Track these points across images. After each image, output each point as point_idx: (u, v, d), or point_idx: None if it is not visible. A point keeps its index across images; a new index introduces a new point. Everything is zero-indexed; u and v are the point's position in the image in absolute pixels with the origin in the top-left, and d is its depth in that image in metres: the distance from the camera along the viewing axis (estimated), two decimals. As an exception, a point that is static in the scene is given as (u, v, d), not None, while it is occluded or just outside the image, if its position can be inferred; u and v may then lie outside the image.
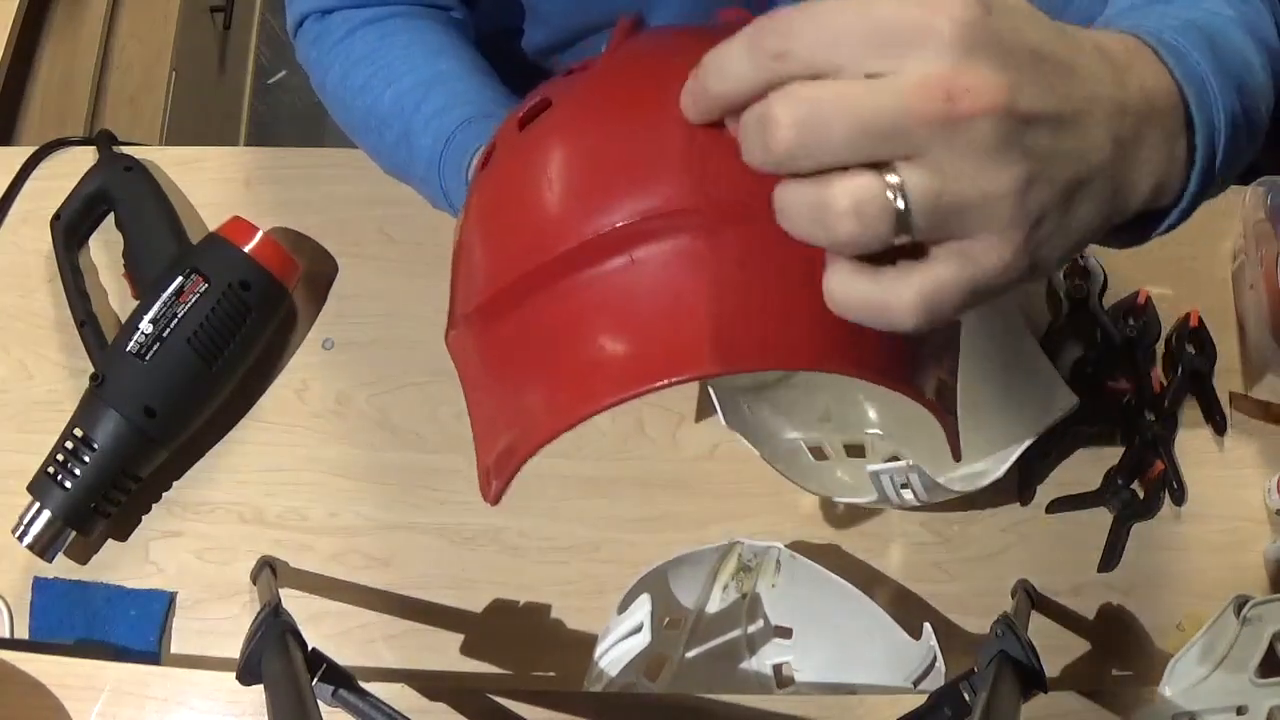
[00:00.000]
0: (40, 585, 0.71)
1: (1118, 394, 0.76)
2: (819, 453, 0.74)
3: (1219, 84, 0.41)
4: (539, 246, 0.38)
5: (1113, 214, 0.36)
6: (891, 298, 0.32)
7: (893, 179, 0.31)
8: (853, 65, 0.31)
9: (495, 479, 0.39)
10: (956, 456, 0.42)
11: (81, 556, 0.72)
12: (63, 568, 0.71)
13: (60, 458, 0.69)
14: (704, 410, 0.76)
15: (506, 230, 0.40)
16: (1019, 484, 0.74)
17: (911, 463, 0.63)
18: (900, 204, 0.31)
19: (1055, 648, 0.71)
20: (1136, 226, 0.42)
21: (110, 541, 0.73)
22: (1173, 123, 0.39)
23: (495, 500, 0.40)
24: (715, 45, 0.42)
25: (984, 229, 0.32)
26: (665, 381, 0.35)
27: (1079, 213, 0.34)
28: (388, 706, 0.55)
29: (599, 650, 0.65)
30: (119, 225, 0.77)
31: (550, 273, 0.37)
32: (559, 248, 0.37)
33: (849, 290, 0.33)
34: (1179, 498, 0.74)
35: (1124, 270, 0.81)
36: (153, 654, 0.70)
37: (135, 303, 0.73)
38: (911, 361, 0.38)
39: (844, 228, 0.31)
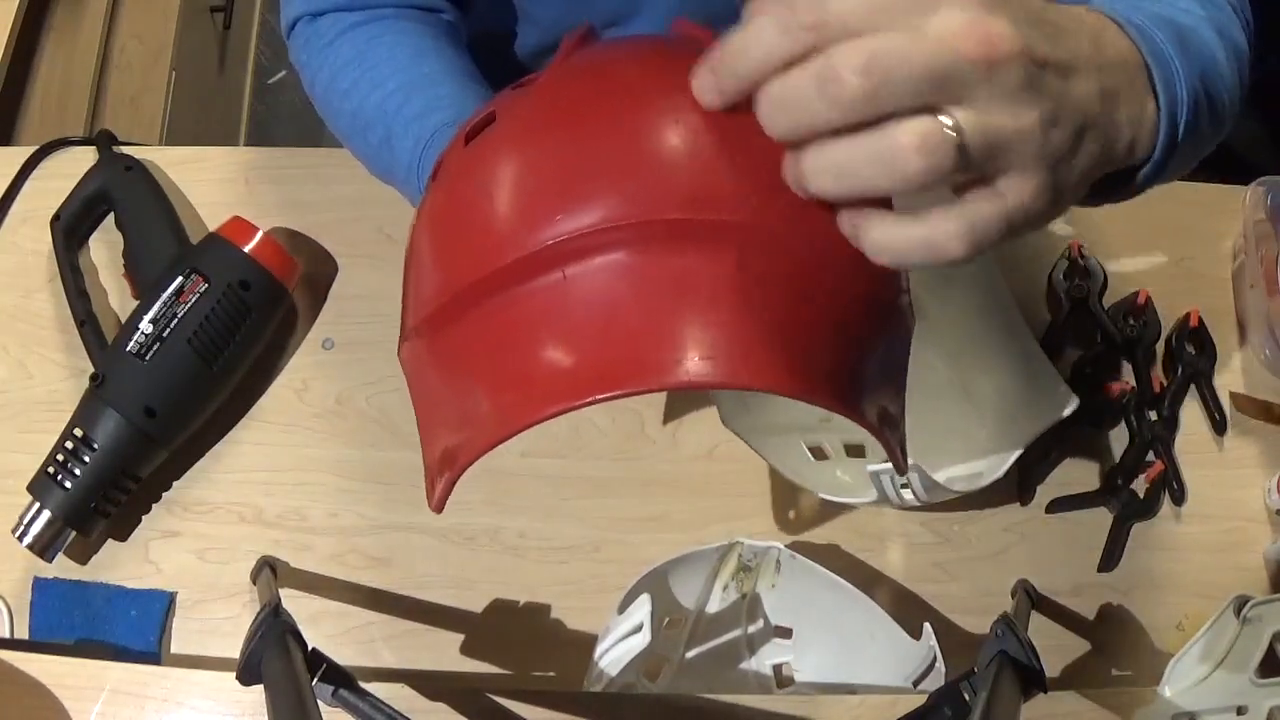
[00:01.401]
0: (40, 585, 0.71)
1: (1118, 394, 0.76)
2: (819, 453, 0.74)
3: (1182, 64, 0.45)
4: (478, 261, 0.38)
5: (1105, 160, 0.39)
6: (939, 232, 0.35)
7: (946, 119, 0.33)
8: (888, 24, 0.33)
9: (440, 486, 0.40)
10: (900, 470, 0.42)
11: (81, 556, 0.72)
12: (63, 568, 0.71)
13: (60, 458, 0.69)
14: (703, 410, 0.76)
15: (449, 245, 0.41)
16: (1019, 484, 0.74)
17: (912, 462, 0.63)
18: (958, 138, 0.33)
19: (1055, 648, 0.71)
20: (1111, 185, 0.47)
21: (110, 541, 0.73)
22: (1140, 82, 0.42)
23: (439, 507, 0.40)
24: (664, 56, 0.42)
25: (1015, 166, 0.35)
26: (601, 396, 0.35)
27: (1084, 156, 0.37)
28: (388, 706, 0.55)
29: (599, 650, 0.65)
30: (119, 225, 0.77)
31: (489, 287, 0.38)
32: (496, 263, 0.37)
33: (897, 235, 0.36)
34: (1179, 498, 0.74)
35: (1124, 270, 0.81)
36: (153, 654, 0.70)
37: (135, 303, 0.73)
38: (852, 384, 0.38)
39: (913, 164, 0.33)
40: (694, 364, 0.35)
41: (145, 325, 0.71)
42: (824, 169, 0.35)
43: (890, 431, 0.40)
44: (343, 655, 0.57)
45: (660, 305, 0.36)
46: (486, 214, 0.39)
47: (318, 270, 0.80)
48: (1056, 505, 0.74)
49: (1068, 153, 0.36)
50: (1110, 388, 0.76)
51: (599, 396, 0.35)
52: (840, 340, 0.38)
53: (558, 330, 0.37)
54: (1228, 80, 0.52)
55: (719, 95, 0.37)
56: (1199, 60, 0.47)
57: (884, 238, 0.36)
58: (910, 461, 0.63)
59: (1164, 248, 0.82)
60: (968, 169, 0.34)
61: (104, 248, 0.80)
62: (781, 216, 0.37)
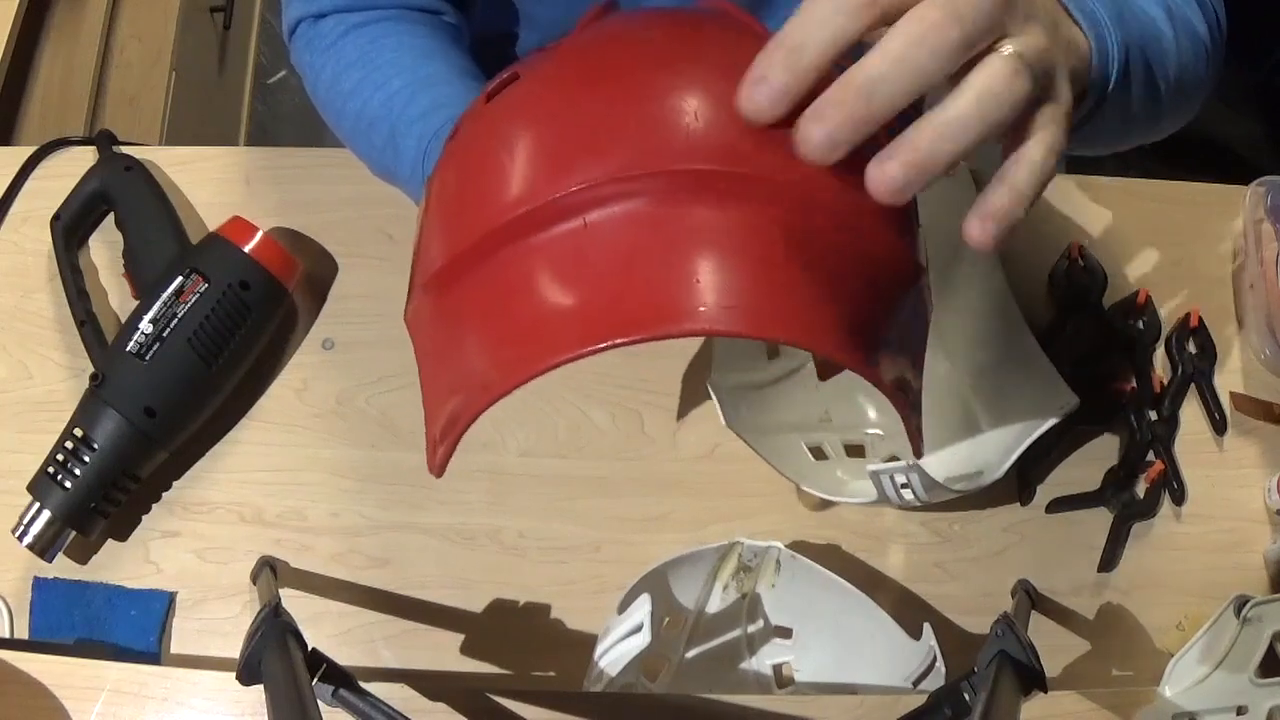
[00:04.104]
0: (40, 585, 0.71)
1: (1118, 394, 0.76)
2: (819, 453, 0.74)
3: (1109, 16, 0.48)
4: (494, 211, 0.38)
5: (1076, 68, 0.44)
6: (1041, 153, 0.38)
7: (1006, 50, 0.36)
8: None
9: (441, 447, 0.39)
10: (917, 453, 0.42)
11: (81, 556, 0.72)
12: (63, 568, 0.71)
13: (60, 458, 0.69)
14: (704, 410, 0.76)
15: (464, 197, 0.41)
16: (1019, 484, 0.74)
17: (912, 463, 0.63)
18: (1026, 64, 0.37)
19: (1055, 648, 0.71)
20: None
21: (110, 541, 0.73)
22: (1066, 29, 0.45)
23: (440, 470, 0.39)
24: (690, 20, 0.42)
25: (1055, 74, 0.39)
26: (622, 340, 0.35)
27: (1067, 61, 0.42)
28: (388, 706, 0.55)
29: (599, 650, 0.65)
30: (119, 225, 0.77)
31: (504, 237, 0.38)
32: (514, 212, 0.37)
33: (1011, 191, 0.38)
34: (1179, 498, 0.74)
35: (1124, 270, 0.81)
36: (153, 654, 0.70)
37: (135, 303, 0.73)
38: (871, 344, 0.38)
39: (1013, 92, 0.36)
40: (713, 311, 0.35)
41: (145, 325, 0.71)
42: (939, 134, 0.36)
43: (906, 399, 0.40)
44: (343, 655, 0.57)
45: (682, 253, 0.36)
46: (507, 163, 0.38)
47: (318, 270, 0.80)
48: (1056, 505, 0.74)
49: (1064, 57, 0.40)
50: (1110, 387, 0.76)
51: (619, 341, 0.35)
52: (860, 300, 0.38)
53: (574, 276, 0.36)
54: (1172, 54, 0.56)
55: (786, 90, 0.36)
56: (1135, 27, 0.51)
57: (1000, 198, 0.38)
58: (910, 462, 0.63)
59: (1164, 248, 0.82)
60: (1040, 84, 0.37)
61: (104, 248, 0.80)
62: (804, 173, 0.37)
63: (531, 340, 0.37)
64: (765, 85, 0.36)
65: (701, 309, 0.35)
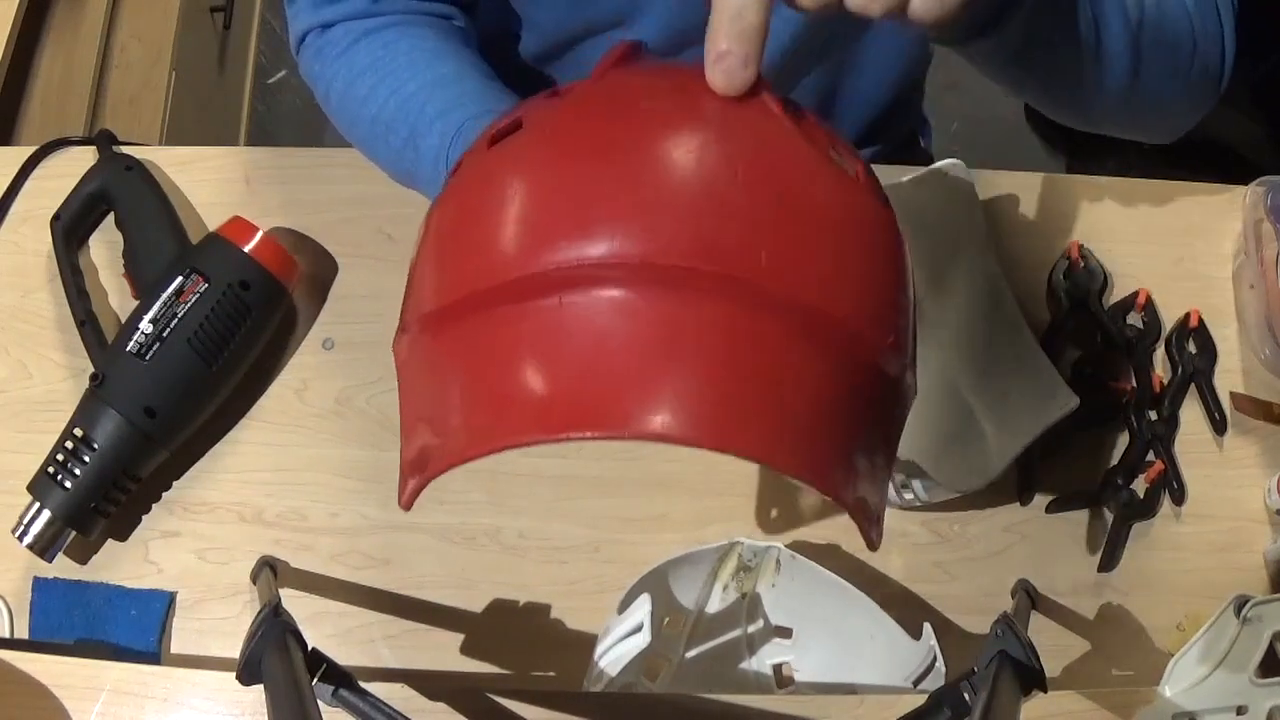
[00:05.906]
0: (40, 585, 0.71)
1: (1118, 394, 0.76)
2: (819, 453, 0.74)
3: None
4: (480, 274, 0.38)
5: None
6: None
7: None
8: None
9: (411, 482, 0.39)
10: (871, 547, 0.40)
11: (81, 556, 0.72)
12: (63, 568, 0.71)
13: (60, 458, 0.69)
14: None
15: (457, 249, 0.41)
16: (1019, 484, 0.74)
17: (912, 461, 0.63)
18: None
19: (1055, 648, 0.71)
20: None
21: (110, 541, 0.73)
22: None
23: (407, 506, 0.40)
24: (697, 97, 0.42)
25: None
26: (575, 435, 0.34)
27: None
28: (388, 706, 0.55)
29: (599, 650, 0.65)
30: (119, 225, 0.78)
31: (486, 300, 0.37)
32: (497, 278, 0.37)
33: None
34: (1179, 497, 0.74)
35: (1124, 270, 0.81)
36: (153, 654, 0.70)
37: (135, 303, 0.73)
38: (839, 460, 0.37)
39: None
40: (670, 419, 0.34)
41: (145, 325, 0.71)
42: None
43: (868, 515, 0.38)
44: (343, 655, 0.57)
45: (648, 351, 0.35)
46: (497, 226, 0.38)
47: (318, 270, 0.80)
48: (1056, 505, 0.74)
49: None
50: (1110, 388, 0.76)
51: (572, 435, 0.34)
52: (832, 416, 0.37)
53: (544, 357, 0.36)
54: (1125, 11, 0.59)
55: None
56: None
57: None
58: (910, 460, 0.63)
59: (1164, 248, 0.82)
60: None
61: (104, 248, 0.80)
62: (790, 279, 0.36)
63: (498, 413, 0.36)
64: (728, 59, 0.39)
65: (659, 416, 0.34)
